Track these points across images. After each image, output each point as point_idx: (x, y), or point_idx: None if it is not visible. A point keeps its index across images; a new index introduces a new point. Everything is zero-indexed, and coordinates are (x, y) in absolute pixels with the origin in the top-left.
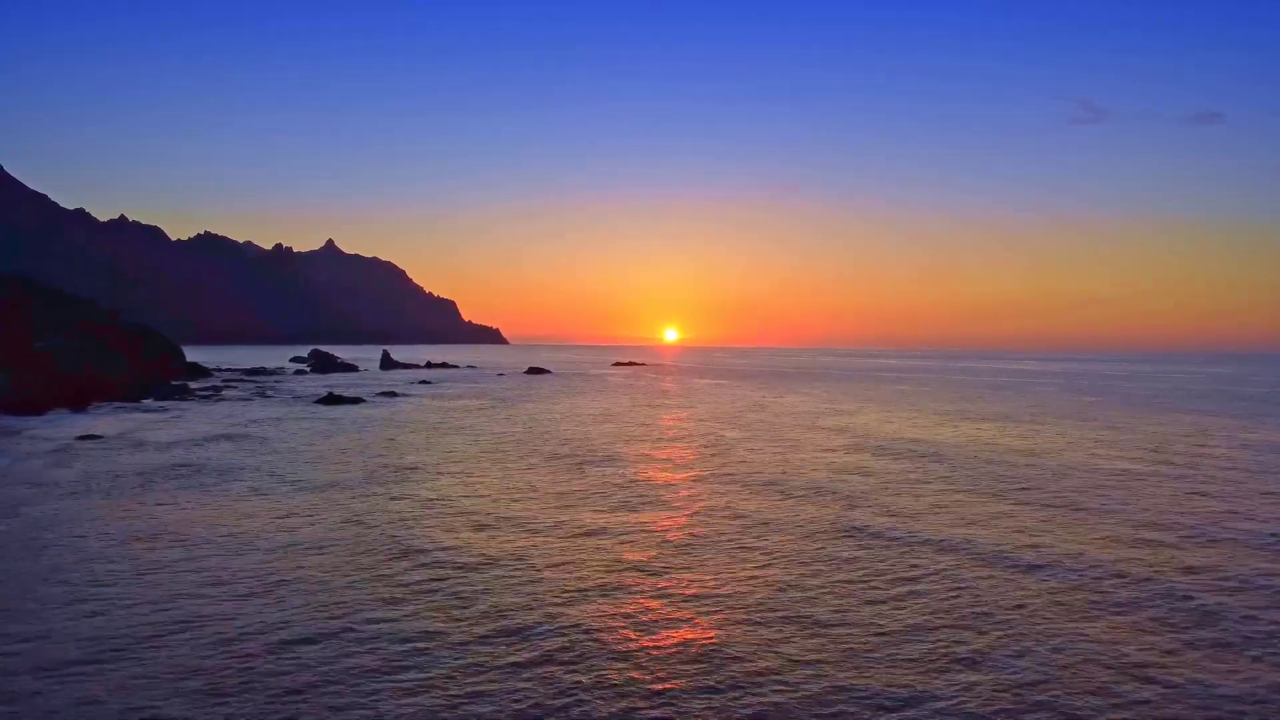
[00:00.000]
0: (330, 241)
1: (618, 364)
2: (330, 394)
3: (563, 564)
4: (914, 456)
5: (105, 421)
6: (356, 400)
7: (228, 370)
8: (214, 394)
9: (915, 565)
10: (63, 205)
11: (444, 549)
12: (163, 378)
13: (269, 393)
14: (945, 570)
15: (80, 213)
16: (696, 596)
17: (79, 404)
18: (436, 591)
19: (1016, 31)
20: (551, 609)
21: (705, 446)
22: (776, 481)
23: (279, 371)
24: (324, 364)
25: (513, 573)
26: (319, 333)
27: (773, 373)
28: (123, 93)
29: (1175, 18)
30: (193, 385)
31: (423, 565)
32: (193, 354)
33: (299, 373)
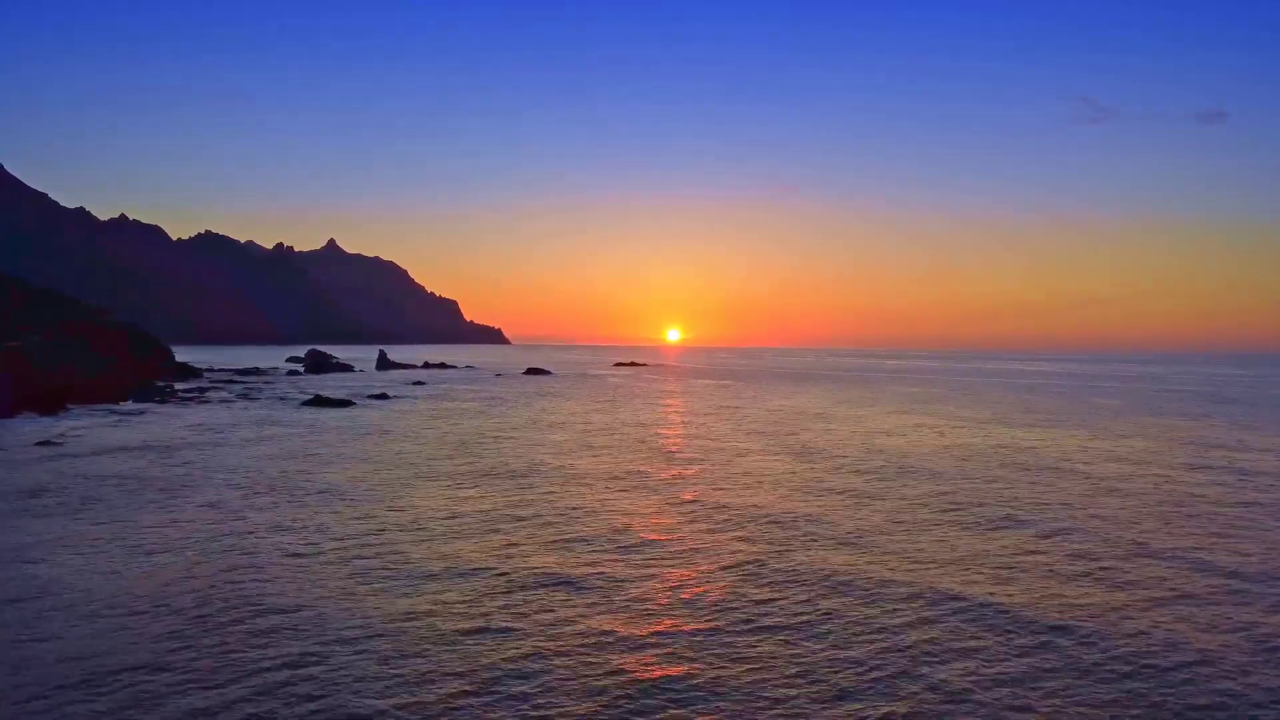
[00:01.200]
0: (332, 241)
1: (619, 364)
2: (316, 396)
3: (430, 635)
4: (932, 476)
5: (71, 426)
6: (343, 403)
7: (220, 371)
8: (198, 396)
9: (914, 639)
10: (63, 205)
11: (305, 609)
12: (148, 379)
13: (255, 395)
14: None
15: (80, 212)
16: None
17: (52, 407)
18: (266, 671)
19: (1019, 30)
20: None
21: (699, 458)
22: (753, 507)
23: (272, 372)
24: (318, 364)
25: (372, 647)
26: (321, 333)
27: (777, 374)
28: (123, 92)
29: (1179, 16)
30: (178, 387)
31: (267, 630)
32: (192, 354)
33: (292, 373)
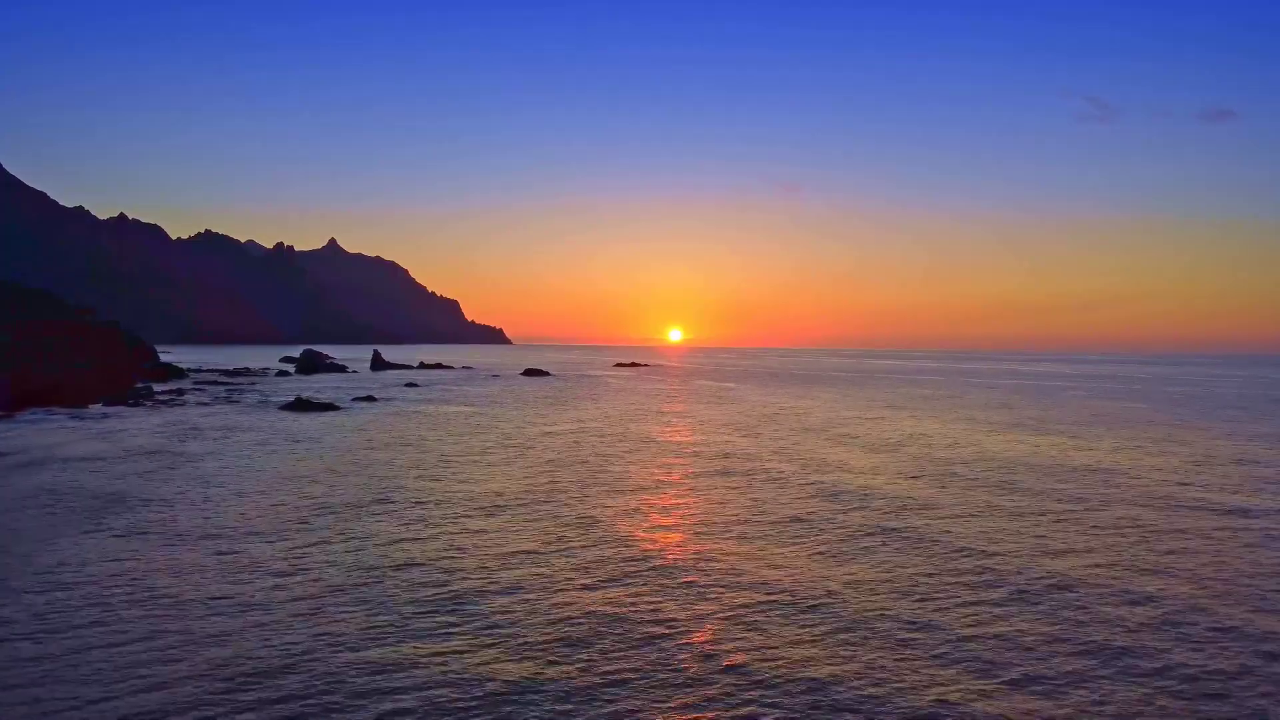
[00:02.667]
0: (333, 240)
1: (619, 365)
2: (297, 399)
3: None
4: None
5: (23, 432)
6: (327, 407)
7: (208, 371)
8: (174, 399)
9: None
10: (62, 204)
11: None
12: (127, 380)
13: (235, 398)
14: None
15: (80, 210)
16: None
17: (8, 410)
18: None
19: (1023, 29)
20: None
21: (656, 477)
22: (663, 548)
23: (263, 373)
24: (311, 365)
25: None
26: (321, 333)
27: (779, 376)
28: (123, 92)
29: (1184, 15)
30: (158, 388)
31: None
32: (189, 354)
33: (282, 374)
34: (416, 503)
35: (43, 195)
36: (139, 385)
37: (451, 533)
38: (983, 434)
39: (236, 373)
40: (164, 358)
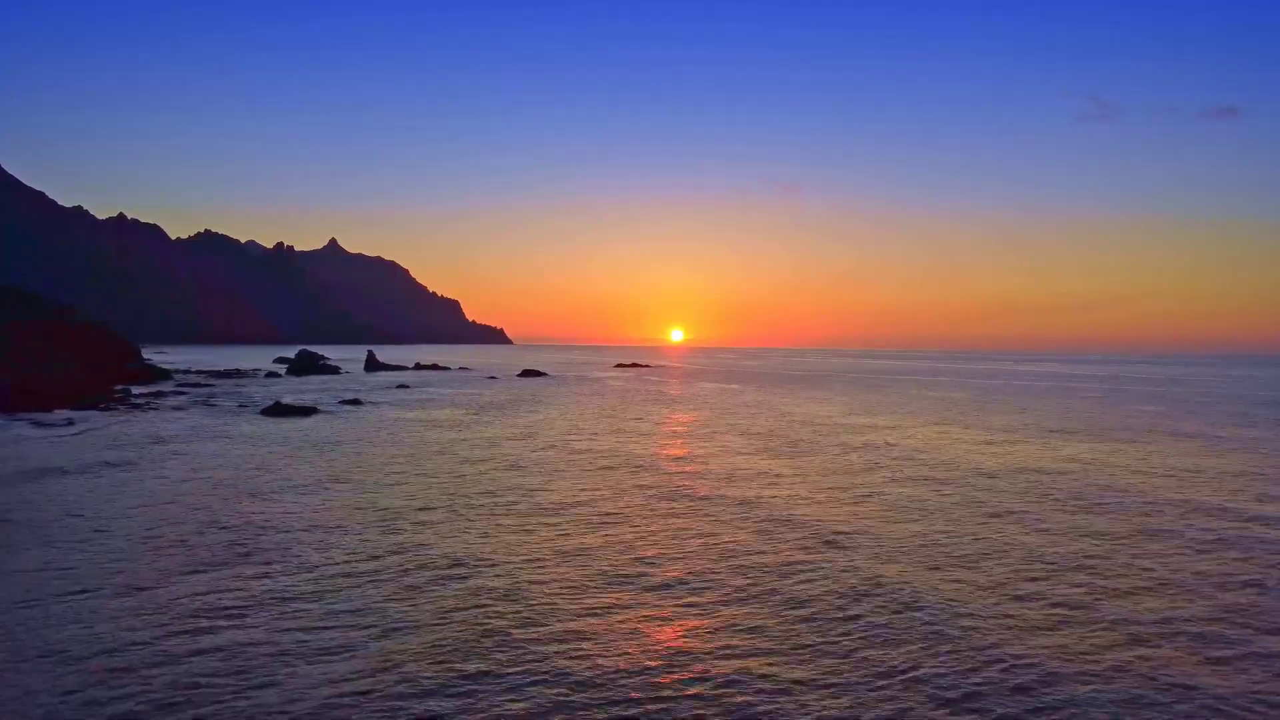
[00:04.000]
0: (333, 240)
1: (619, 365)
2: (276, 404)
3: None
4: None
5: None
6: (307, 411)
7: (196, 373)
8: (149, 403)
9: None
10: (61, 204)
11: None
12: (108, 382)
13: (215, 401)
14: None
15: (79, 210)
16: None
17: None
18: None
19: (1023, 29)
20: None
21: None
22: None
23: (253, 374)
24: (303, 366)
25: None
26: (321, 333)
27: (781, 376)
28: (123, 92)
29: (1186, 12)
30: (137, 391)
31: None
32: (187, 354)
33: (271, 375)
34: (282, 530)
35: (42, 195)
36: (117, 388)
37: (301, 575)
38: (1005, 445)
39: (225, 374)
40: (161, 358)
